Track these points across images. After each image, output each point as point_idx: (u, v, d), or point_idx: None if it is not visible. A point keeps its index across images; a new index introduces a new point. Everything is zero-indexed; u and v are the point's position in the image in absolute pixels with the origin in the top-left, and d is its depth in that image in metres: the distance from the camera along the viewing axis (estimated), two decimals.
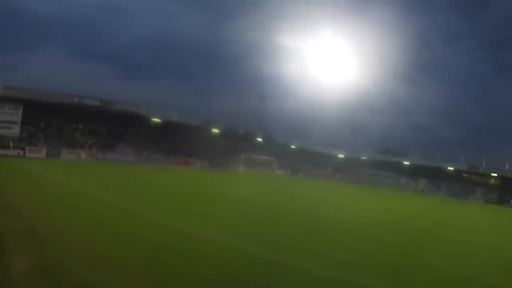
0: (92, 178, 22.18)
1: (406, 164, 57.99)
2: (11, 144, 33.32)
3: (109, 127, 45.48)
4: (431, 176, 54.59)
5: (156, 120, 45.67)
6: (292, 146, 61.02)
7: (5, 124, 34.88)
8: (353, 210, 20.08)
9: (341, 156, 62.91)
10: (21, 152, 33.10)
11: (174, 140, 48.41)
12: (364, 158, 61.83)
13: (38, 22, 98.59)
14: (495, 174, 52.68)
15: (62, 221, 9.26)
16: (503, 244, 14.72)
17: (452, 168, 54.27)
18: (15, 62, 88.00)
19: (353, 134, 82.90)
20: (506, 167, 52.06)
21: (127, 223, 9.93)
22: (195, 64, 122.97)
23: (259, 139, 57.01)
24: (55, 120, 40.94)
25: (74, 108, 39.83)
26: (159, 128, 46.20)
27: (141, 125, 45.23)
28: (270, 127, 62.51)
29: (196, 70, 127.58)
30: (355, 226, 14.14)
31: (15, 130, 35.50)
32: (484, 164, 53.51)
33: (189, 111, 53.68)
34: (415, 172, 56.32)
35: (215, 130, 51.04)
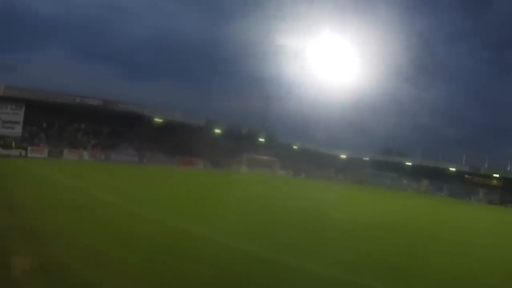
0: (94, 178, 22.21)
1: (408, 165, 57.94)
2: (13, 144, 33.44)
3: (111, 127, 45.53)
4: (433, 176, 54.51)
5: (158, 120, 45.77)
6: (294, 147, 61.04)
7: (7, 124, 35.03)
8: (354, 211, 20.04)
9: (343, 156, 62.93)
10: (23, 152, 33.22)
11: (176, 140, 48.46)
12: (366, 158, 61.81)
13: (40, 22, 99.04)
14: (497, 175, 52.57)
15: (64, 221, 9.27)
16: (505, 245, 14.67)
17: (454, 169, 54.23)
18: (17, 62, 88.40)
19: (355, 134, 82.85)
20: (508, 168, 52.03)
21: (129, 223, 9.93)
22: (197, 64, 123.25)
23: (261, 140, 57.02)
24: (57, 120, 41.02)
25: (76, 108, 39.95)
26: (161, 128, 46.28)
27: (143, 125, 45.30)
28: (273, 127, 62.51)
29: (198, 70, 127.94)
30: (357, 226, 14.12)
31: (17, 130, 35.63)
32: (486, 165, 53.49)
33: (192, 111, 53.72)
34: (417, 172, 56.26)
35: (217, 130, 51.10)
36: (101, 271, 6.04)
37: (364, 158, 61.96)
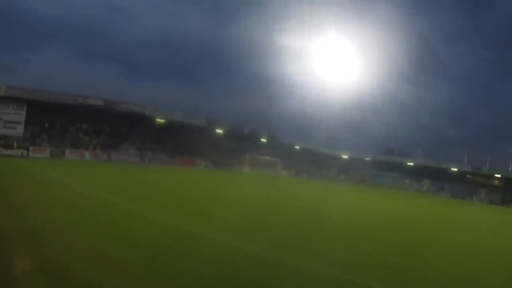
0: (96, 178, 22.23)
1: (410, 165, 57.89)
2: (15, 144, 33.48)
3: (113, 127, 45.58)
4: (435, 177, 54.45)
5: (160, 120, 45.80)
6: (297, 147, 61.03)
7: (9, 124, 35.06)
8: (356, 211, 20.02)
9: (345, 157, 62.94)
10: (25, 152, 33.25)
11: (178, 140, 48.47)
12: (368, 159, 61.80)
13: (41, 22, 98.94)
14: (499, 175, 52.49)
15: (66, 221, 9.28)
16: (507, 245, 14.65)
17: (455, 169, 54.17)
18: (19, 62, 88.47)
19: (357, 134, 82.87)
20: (510, 168, 51.95)
21: (130, 224, 9.93)
22: (199, 64, 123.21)
23: (264, 140, 57.00)
24: (59, 120, 41.07)
25: (78, 108, 40.00)
26: (163, 128, 46.32)
27: (145, 125, 45.36)
28: (275, 128, 62.53)
29: (200, 70, 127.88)
30: (358, 226, 14.10)
31: (19, 130, 35.67)
32: (488, 165, 53.41)
33: (193, 111, 53.80)
34: (419, 172, 56.19)
35: (219, 130, 51.10)
36: (102, 271, 6.04)
37: (366, 159, 61.96)
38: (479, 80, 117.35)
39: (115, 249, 7.38)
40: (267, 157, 52.06)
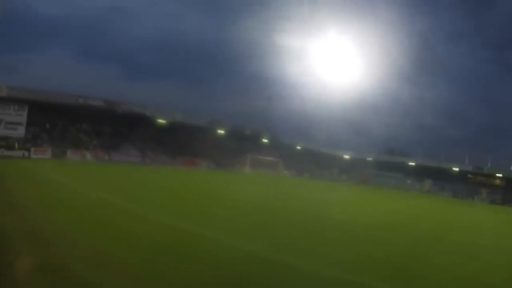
0: (97, 178, 22.26)
1: (411, 165, 57.88)
2: (16, 145, 33.50)
3: (114, 128, 45.61)
4: (436, 177, 54.42)
5: (161, 120, 45.82)
6: (298, 147, 60.99)
7: (10, 125, 35.07)
8: (357, 211, 20.03)
9: (346, 157, 62.95)
10: (26, 153, 33.26)
11: (179, 141, 48.43)
12: (370, 159, 61.81)
13: (42, 23, 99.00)
14: (500, 175, 52.45)
15: (67, 222, 9.30)
16: (508, 245, 14.64)
17: (457, 169, 54.13)
18: (19, 63, 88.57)
19: (358, 134, 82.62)
20: (511, 168, 51.84)
21: (132, 224, 9.95)
22: (200, 64, 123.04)
23: (265, 140, 56.97)
24: (60, 121, 41.11)
25: (79, 109, 40.03)
26: (164, 128, 46.32)
27: (146, 125, 45.37)
28: (276, 128, 62.47)
29: (201, 70, 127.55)
30: (360, 227, 14.10)
31: (20, 131, 35.68)
32: (489, 165, 53.38)
33: (194, 111, 53.82)
34: (420, 172, 56.18)
35: (220, 131, 51.09)
36: (104, 271, 6.05)
37: (367, 159, 61.98)
38: (480, 80, 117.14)
39: (116, 249, 7.39)
40: (268, 158, 52.04)
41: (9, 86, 34.76)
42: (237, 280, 6.44)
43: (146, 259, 6.92)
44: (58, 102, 37.49)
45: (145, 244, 7.97)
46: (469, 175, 54.55)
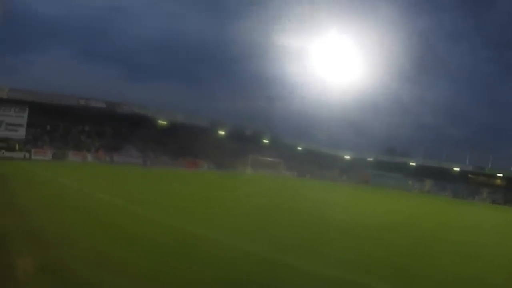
0: (98, 180, 22.27)
1: (412, 165, 57.85)
2: (17, 147, 33.54)
3: (115, 129, 45.59)
4: (437, 177, 54.40)
5: (162, 122, 45.77)
6: (299, 148, 60.98)
7: (11, 126, 35.10)
8: (358, 211, 20.03)
9: (347, 157, 62.97)
10: (27, 155, 33.27)
11: (180, 142, 48.40)
12: (370, 159, 61.81)
13: (42, 24, 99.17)
14: (501, 175, 52.41)
15: (69, 223, 9.32)
16: (509, 245, 14.64)
17: (457, 169, 54.06)
18: (20, 64, 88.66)
19: (358, 134, 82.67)
20: None
21: (132, 224, 9.96)
22: (200, 65, 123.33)
23: (266, 141, 56.93)
24: (61, 123, 41.12)
25: (80, 110, 40.05)
26: (165, 130, 46.26)
27: (147, 127, 45.37)
28: (276, 128, 62.45)
29: (201, 71, 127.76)
30: (361, 227, 14.10)
31: (21, 132, 35.70)
32: (490, 165, 53.32)
33: (195, 112, 53.68)
34: (421, 172, 56.17)
35: (221, 132, 51.07)
36: (105, 272, 6.07)
37: (368, 159, 61.99)
38: (480, 80, 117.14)
39: (116, 249, 7.41)
40: (269, 158, 52.00)
41: (10, 88, 34.79)
42: (238, 280, 6.45)
43: (147, 259, 6.93)
44: (59, 103, 37.52)
45: (145, 245, 7.98)
46: (470, 175, 54.53)
